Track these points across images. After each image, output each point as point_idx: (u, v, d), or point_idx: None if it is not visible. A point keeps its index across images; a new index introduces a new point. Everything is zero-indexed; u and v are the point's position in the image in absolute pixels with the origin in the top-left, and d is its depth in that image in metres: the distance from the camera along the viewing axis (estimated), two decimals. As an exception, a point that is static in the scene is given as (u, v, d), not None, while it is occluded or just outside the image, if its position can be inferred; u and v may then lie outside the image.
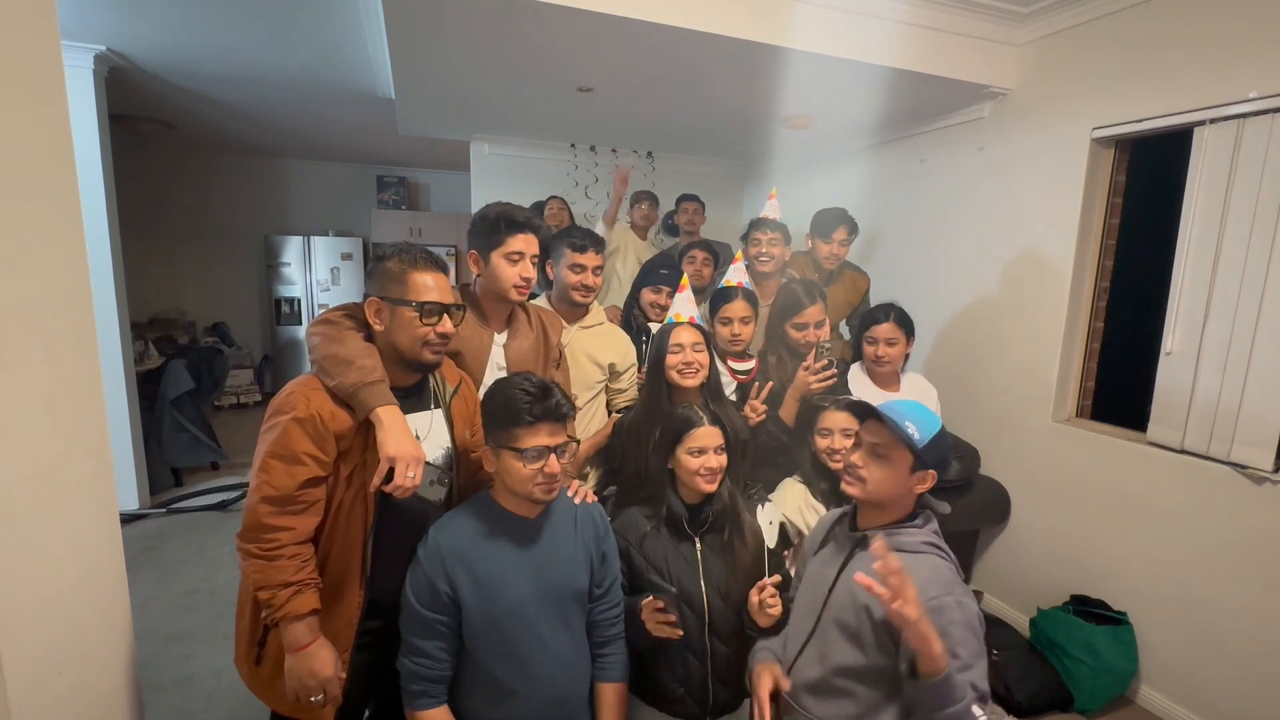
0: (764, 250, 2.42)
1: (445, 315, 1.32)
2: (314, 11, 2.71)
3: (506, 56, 2.56)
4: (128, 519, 3.57)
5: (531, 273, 1.64)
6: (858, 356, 2.25)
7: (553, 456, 1.27)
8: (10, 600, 0.95)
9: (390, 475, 1.21)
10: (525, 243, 1.62)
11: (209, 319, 6.09)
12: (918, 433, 1.18)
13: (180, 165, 5.88)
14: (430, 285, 1.31)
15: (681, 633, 1.35)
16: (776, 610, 1.36)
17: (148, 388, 4.07)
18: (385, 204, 6.51)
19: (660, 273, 2.36)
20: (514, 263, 1.61)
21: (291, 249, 6.18)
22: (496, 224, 1.61)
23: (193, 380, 4.29)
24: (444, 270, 1.36)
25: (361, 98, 3.88)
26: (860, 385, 2.17)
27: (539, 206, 3.93)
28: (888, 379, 2.18)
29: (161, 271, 5.89)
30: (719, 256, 2.96)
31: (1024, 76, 2.69)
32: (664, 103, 3.20)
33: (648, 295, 2.35)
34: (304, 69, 3.45)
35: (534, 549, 1.34)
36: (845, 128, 3.53)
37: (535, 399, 1.26)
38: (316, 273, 6.26)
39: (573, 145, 4.32)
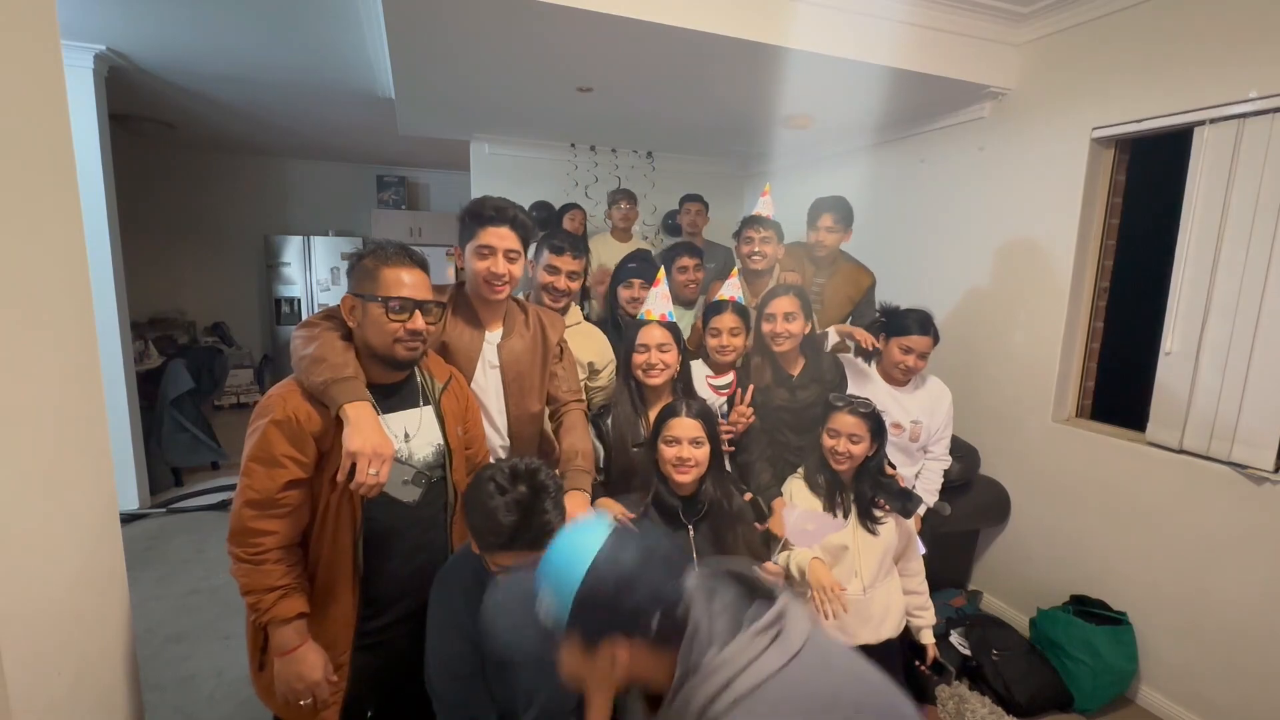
0: (756, 249, 2.42)
1: (417, 312, 1.29)
2: (314, 11, 2.71)
3: (506, 56, 2.56)
4: (128, 519, 3.57)
5: (504, 269, 1.56)
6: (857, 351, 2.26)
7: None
8: (10, 600, 0.94)
9: (354, 474, 1.17)
10: (497, 237, 1.55)
11: (209, 319, 6.09)
12: (552, 612, 0.79)
13: (180, 165, 5.87)
14: (403, 281, 1.28)
15: None
16: None
17: (148, 388, 4.06)
18: (385, 204, 6.51)
19: (629, 267, 2.37)
20: (483, 257, 1.56)
21: (291, 249, 6.17)
22: (468, 216, 1.57)
23: (193, 380, 4.29)
24: (422, 266, 1.34)
25: (361, 98, 3.88)
26: (874, 386, 2.16)
27: (540, 207, 3.93)
28: (902, 381, 2.19)
29: (161, 271, 5.88)
30: (704, 256, 2.96)
31: (1024, 76, 2.69)
32: (664, 103, 3.19)
33: (622, 292, 2.37)
34: (304, 69, 3.45)
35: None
36: (845, 128, 3.53)
37: (511, 529, 1.14)
38: (316, 273, 6.25)
39: (573, 145, 4.31)
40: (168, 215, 5.89)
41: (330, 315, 1.37)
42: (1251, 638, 2.04)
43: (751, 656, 0.74)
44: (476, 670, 1.28)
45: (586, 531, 0.82)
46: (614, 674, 0.80)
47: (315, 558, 1.29)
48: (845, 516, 1.73)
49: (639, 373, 1.81)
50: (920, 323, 2.10)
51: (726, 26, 2.18)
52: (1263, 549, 2.01)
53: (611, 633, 0.78)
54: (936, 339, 2.13)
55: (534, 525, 1.15)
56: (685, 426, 1.52)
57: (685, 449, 1.50)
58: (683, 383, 1.90)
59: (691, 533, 1.53)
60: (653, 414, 1.76)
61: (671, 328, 1.85)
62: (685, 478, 1.51)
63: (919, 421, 2.17)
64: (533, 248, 1.81)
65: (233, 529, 1.22)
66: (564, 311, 2.00)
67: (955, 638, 2.43)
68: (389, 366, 1.33)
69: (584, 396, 1.87)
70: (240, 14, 2.77)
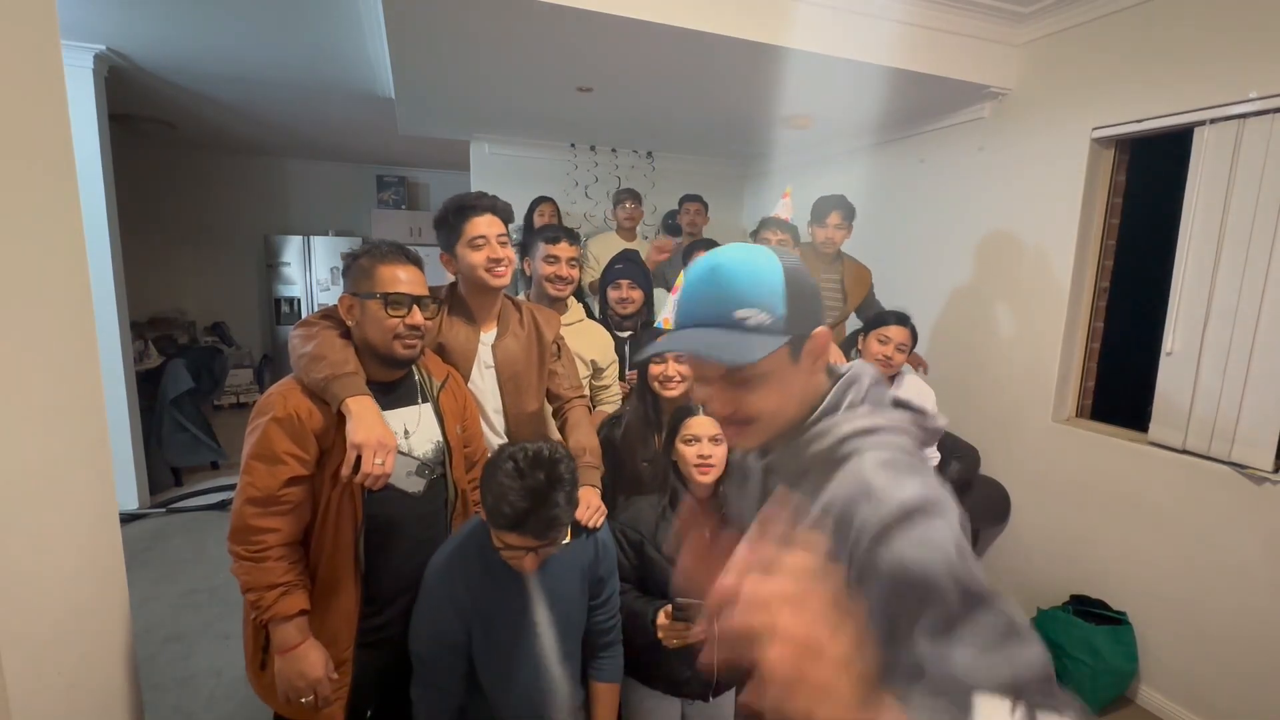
0: None
1: (415, 307, 1.30)
2: (314, 11, 2.71)
3: (506, 56, 2.56)
4: (128, 519, 3.57)
5: (501, 254, 1.57)
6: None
7: (532, 554, 1.21)
8: (10, 600, 0.94)
9: (360, 466, 1.18)
10: (486, 225, 1.56)
11: (209, 319, 6.09)
12: (764, 314, 0.72)
13: (180, 165, 5.87)
14: (399, 278, 1.30)
15: (705, 638, 1.37)
16: None
17: (148, 387, 4.06)
18: (385, 204, 6.51)
19: (615, 268, 2.37)
20: (478, 247, 1.56)
21: (291, 249, 6.17)
22: (450, 215, 1.58)
23: (193, 380, 4.29)
24: (417, 264, 1.35)
25: (361, 97, 3.88)
26: None
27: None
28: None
29: (161, 271, 5.88)
30: None
31: (1024, 76, 2.69)
32: (664, 103, 3.19)
33: (610, 293, 2.37)
34: (304, 69, 3.45)
35: (535, 586, 1.31)
36: (845, 128, 3.53)
37: (519, 516, 1.14)
38: (316, 272, 6.25)
39: (573, 145, 4.32)
40: (168, 215, 5.89)
41: (328, 315, 1.38)
42: (1252, 638, 2.04)
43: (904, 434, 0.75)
44: (461, 644, 1.30)
45: (741, 247, 0.78)
46: (816, 363, 0.79)
47: (317, 555, 1.29)
48: None
49: (655, 384, 1.77)
50: (897, 316, 2.15)
51: (726, 26, 2.18)
52: (1263, 549, 2.01)
53: (819, 319, 0.79)
54: (915, 335, 2.17)
55: (542, 516, 1.15)
56: (704, 424, 1.51)
57: (706, 446, 1.49)
58: None
59: (708, 535, 1.53)
60: None
61: None
62: (706, 478, 1.49)
63: None
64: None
65: (234, 527, 1.23)
66: (566, 302, 2.00)
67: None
68: (388, 364, 1.34)
69: (586, 392, 1.85)
70: (240, 14, 2.77)
